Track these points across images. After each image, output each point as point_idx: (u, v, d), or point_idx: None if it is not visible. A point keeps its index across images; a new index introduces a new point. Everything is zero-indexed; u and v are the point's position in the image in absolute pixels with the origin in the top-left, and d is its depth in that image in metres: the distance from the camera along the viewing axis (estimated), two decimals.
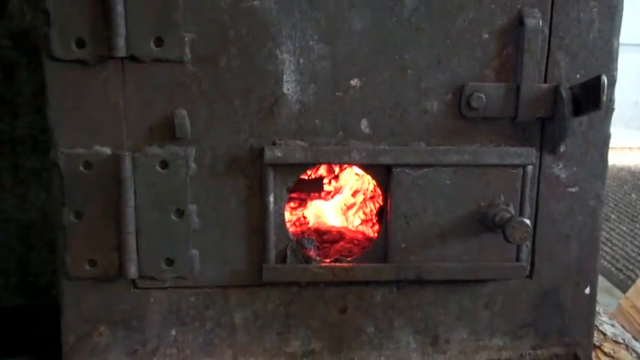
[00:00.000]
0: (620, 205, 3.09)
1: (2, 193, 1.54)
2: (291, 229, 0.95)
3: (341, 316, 0.86)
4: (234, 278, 0.83)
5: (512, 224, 0.76)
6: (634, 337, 1.25)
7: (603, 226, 2.60)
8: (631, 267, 2.31)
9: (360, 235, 0.95)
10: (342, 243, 0.94)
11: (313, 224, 0.99)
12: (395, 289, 0.85)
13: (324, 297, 0.85)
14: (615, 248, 2.50)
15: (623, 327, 1.53)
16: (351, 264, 0.83)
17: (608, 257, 2.40)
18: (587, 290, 0.88)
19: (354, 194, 0.97)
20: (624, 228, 2.74)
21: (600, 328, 1.20)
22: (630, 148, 4.31)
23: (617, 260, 2.38)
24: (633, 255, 2.43)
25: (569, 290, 0.88)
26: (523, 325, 0.88)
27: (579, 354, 0.88)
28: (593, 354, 1.09)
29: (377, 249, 0.84)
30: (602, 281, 2.20)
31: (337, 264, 0.83)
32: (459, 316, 0.87)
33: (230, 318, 0.85)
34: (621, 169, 3.87)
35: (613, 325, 1.23)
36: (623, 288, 2.08)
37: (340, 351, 0.87)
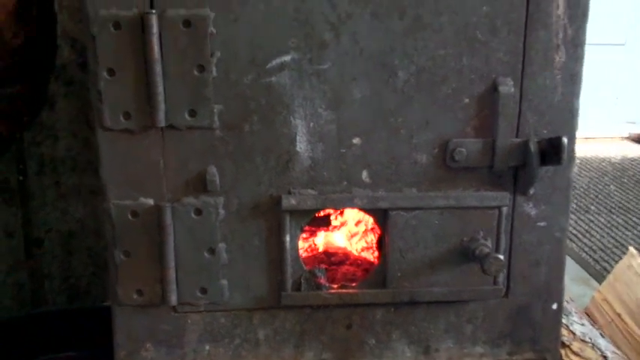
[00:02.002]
0: (599, 196, 3.18)
1: (46, 207, 1.66)
2: (304, 254, 1.06)
3: (347, 331, 0.97)
4: (257, 302, 0.94)
5: (489, 260, 0.87)
6: (601, 334, 1.36)
7: (582, 217, 2.69)
8: (607, 258, 2.42)
9: (363, 259, 1.07)
10: (347, 266, 1.06)
11: (323, 248, 1.10)
12: (392, 309, 0.97)
13: (333, 316, 0.96)
14: (593, 240, 2.60)
15: (593, 321, 1.64)
16: (355, 290, 0.94)
17: (586, 249, 2.50)
18: (555, 306, 0.99)
19: (356, 224, 1.08)
20: (602, 220, 2.84)
21: (571, 327, 1.31)
22: (612, 138, 4.38)
23: (595, 252, 2.48)
24: (609, 246, 2.53)
25: (539, 306, 0.99)
26: (500, 336, 1.00)
27: (548, 359, 1.00)
28: (563, 352, 1.20)
29: (377, 276, 0.95)
30: (579, 272, 2.31)
31: (343, 290, 0.94)
32: (447, 329, 0.99)
33: (254, 334, 0.96)
34: (603, 159, 3.92)
35: (583, 324, 1.34)
36: (599, 279, 2.17)
37: (347, 359, 0.98)
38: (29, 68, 1.21)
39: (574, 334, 1.27)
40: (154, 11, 0.81)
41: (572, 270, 2.25)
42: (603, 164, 3.77)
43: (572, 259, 2.36)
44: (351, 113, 0.88)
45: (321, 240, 1.08)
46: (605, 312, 1.66)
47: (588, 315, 1.68)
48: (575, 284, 2.14)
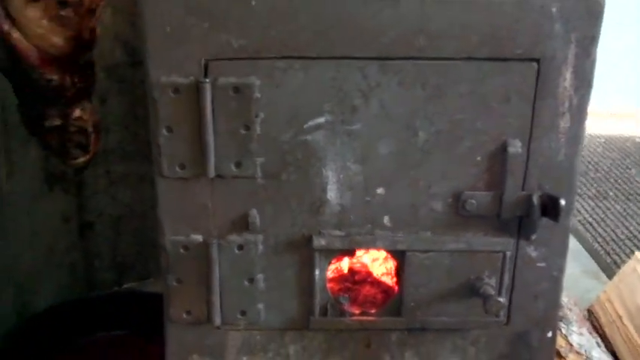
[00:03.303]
0: (619, 181, 3.16)
1: (98, 194, 1.81)
2: (330, 276, 1.19)
3: (366, 349, 1.11)
4: (289, 323, 1.08)
5: (491, 301, 0.99)
6: (597, 343, 1.48)
7: (600, 204, 2.76)
8: (618, 251, 2.49)
9: (382, 282, 1.20)
10: (368, 287, 1.19)
11: (348, 269, 1.23)
12: (406, 332, 1.09)
13: (354, 337, 1.10)
14: (607, 229, 2.65)
15: (596, 319, 1.73)
16: (374, 318, 1.07)
17: (599, 239, 2.57)
18: (550, 334, 1.11)
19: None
20: (618, 207, 2.88)
21: (569, 338, 1.43)
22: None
23: (607, 243, 2.55)
24: (622, 238, 2.60)
25: (536, 334, 1.11)
26: (500, 357, 1.12)
27: None
28: None
29: (393, 305, 1.08)
30: (589, 264, 2.37)
31: (364, 317, 1.07)
32: (453, 350, 1.12)
33: (285, 350, 1.10)
34: (627, 139, 3.84)
35: (581, 334, 1.47)
36: (609, 272, 2.25)
37: None
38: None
39: (571, 345, 1.39)
40: (207, 80, 0.92)
41: (583, 262, 2.31)
42: (627, 144, 3.70)
43: (585, 249, 2.42)
44: (377, 167, 0.99)
45: (347, 264, 1.21)
46: (608, 312, 1.72)
47: (592, 313, 1.77)
48: (584, 277, 2.21)
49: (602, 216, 2.78)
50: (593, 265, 2.32)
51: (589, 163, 3.30)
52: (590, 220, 2.71)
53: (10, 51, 1.06)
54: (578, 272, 2.22)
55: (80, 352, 1.61)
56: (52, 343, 1.58)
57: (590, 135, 3.65)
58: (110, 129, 1.77)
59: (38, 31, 1.04)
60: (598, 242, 2.54)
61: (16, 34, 1.03)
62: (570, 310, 1.54)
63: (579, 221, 2.69)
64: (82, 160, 1.37)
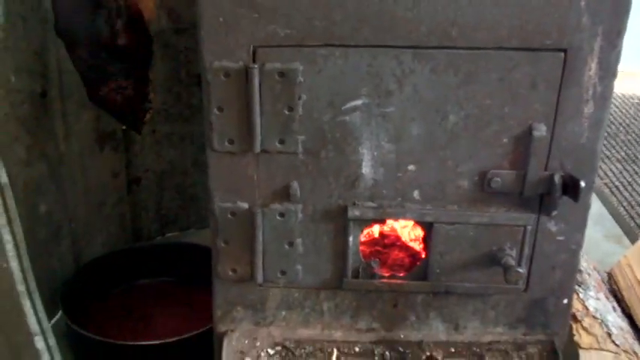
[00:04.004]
0: None
1: (144, 152, 1.93)
2: (362, 239, 1.29)
3: (393, 309, 1.21)
4: (323, 283, 1.18)
5: (511, 272, 1.07)
6: (613, 307, 1.55)
7: (628, 167, 2.75)
8: None
9: (410, 247, 1.29)
10: (396, 251, 1.28)
11: (378, 233, 1.32)
12: (431, 295, 1.19)
13: (383, 297, 1.20)
14: (634, 194, 2.66)
15: (615, 282, 1.79)
16: (402, 281, 1.17)
17: (624, 203, 2.59)
18: (565, 301, 1.20)
19: None
20: None
21: (586, 303, 1.50)
22: None
23: (632, 207, 2.57)
24: None
25: (552, 301, 1.19)
26: (518, 320, 1.21)
27: (555, 341, 1.21)
28: (575, 327, 1.40)
29: (420, 269, 1.17)
30: (613, 228, 2.41)
31: (392, 280, 1.17)
32: (474, 312, 1.21)
33: (320, 306, 1.21)
34: None
35: (597, 299, 1.54)
36: (632, 237, 2.28)
37: (392, 329, 1.22)
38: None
39: (587, 309, 1.46)
40: (255, 65, 1.00)
41: (606, 225, 2.35)
42: None
43: (609, 213, 2.46)
44: (408, 146, 1.07)
45: (377, 229, 1.30)
46: (628, 277, 1.77)
47: (611, 276, 1.84)
48: (606, 241, 2.25)
49: (630, 180, 2.78)
50: (616, 229, 2.35)
51: (620, 124, 3.29)
52: (616, 183, 2.72)
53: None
54: (600, 236, 2.27)
55: (130, 295, 1.75)
56: (105, 287, 1.73)
57: (622, 95, 3.61)
58: (155, 91, 1.86)
59: None
60: (623, 206, 2.56)
61: None
62: (589, 275, 1.61)
63: (605, 184, 2.71)
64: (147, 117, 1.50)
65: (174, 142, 2.00)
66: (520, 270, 1.07)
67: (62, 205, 1.68)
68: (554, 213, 1.10)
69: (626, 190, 2.69)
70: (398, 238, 1.31)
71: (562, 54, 1.00)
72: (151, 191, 2.03)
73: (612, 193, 2.65)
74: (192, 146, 2.02)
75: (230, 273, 1.16)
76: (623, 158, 2.95)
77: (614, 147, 3.05)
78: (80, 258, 1.81)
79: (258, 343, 1.21)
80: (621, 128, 3.26)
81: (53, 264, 1.67)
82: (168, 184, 2.05)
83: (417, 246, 1.27)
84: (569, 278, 1.18)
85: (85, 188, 1.78)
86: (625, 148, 3.07)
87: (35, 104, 1.53)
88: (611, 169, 2.84)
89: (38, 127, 1.55)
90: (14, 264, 1.03)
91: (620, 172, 2.83)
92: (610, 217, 2.41)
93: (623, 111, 3.45)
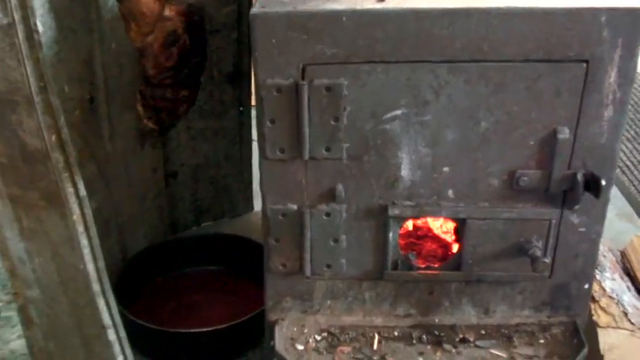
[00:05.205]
0: None
1: (180, 147, 2.03)
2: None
3: (429, 296, 1.32)
4: (365, 275, 1.29)
5: (539, 262, 1.18)
6: (627, 287, 1.65)
7: (638, 147, 2.76)
8: None
9: (441, 238, 1.39)
10: (429, 243, 1.39)
11: (412, 226, 1.42)
12: (464, 283, 1.29)
13: (419, 286, 1.30)
14: None
15: (628, 261, 1.88)
16: (437, 272, 1.28)
17: (635, 182, 2.66)
18: (586, 286, 1.30)
19: None
20: None
21: (603, 284, 1.60)
22: None
23: None
24: None
25: (574, 285, 1.29)
26: (543, 304, 1.32)
27: (577, 322, 1.32)
28: (593, 307, 1.51)
29: (454, 260, 1.28)
30: (625, 207, 2.47)
31: (429, 271, 1.28)
32: (503, 297, 1.32)
33: (362, 295, 1.32)
34: None
35: (613, 279, 1.64)
36: None
37: (427, 315, 1.33)
38: (187, 77, 1.53)
39: (604, 290, 1.57)
40: (305, 82, 1.10)
41: (618, 204, 2.42)
42: None
43: (621, 192, 2.53)
44: (443, 150, 1.17)
45: (411, 222, 1.40)
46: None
47: (624, 255, 1.93)
48: (618, 220, 2.33)
49: None
50: (628, 208, 2.42)
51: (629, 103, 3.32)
52: (627, 163, 2.79)
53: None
54: (612, 215, 2.34)
55: (177, 284, 1.87)
56: (153, 276, 1.85)
57: None
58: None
59: None
60: (634, 185, 2.63)
61: None
62: (604, 256, 1.71)
63: None
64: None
65: (208, 137, 2.10)
66: (546, 260, 1.17)
67: (109, 201, 1.79)
68: (577, 207, 1.20)
69: (637, 169, 2.74)
70: (430, 230, 1.42)
71: (584, 64, 1.09)
72: (186, 184, 2.14)
73: (623, 172, 2.71)
74: (224, 140, 2.13)
75: (280, 267, 1.27)
76: (633, 137, 3.00)
77: None
78: (126, 250, 1.92)
79: (306, 330, 1.32)
80: (630, 107, 3.30)
81: (103, 257, 1.78)
82: (203, 177, 2.16)
83: (449, 238, 1.38)
84: (589, 265, 1.28)
85: (129, 184, 1.89)
86: (634, 126, 3.11)
87: (85, 109, 1.63)
88: (621, 149, 2.89)
89: (88, 130, 1.65)
90: (90, 266, 1.14)
91: (631, 152, 2.89)
92: (621, 196, 2.49)
93: (633, 89, 3.48)
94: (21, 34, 0.96)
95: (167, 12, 1.39)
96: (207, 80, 1.98)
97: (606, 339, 1.38)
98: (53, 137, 1.02)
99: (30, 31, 0.96)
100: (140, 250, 1.85)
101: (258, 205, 2.26)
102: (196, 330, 1.53)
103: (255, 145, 2.16)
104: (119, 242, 1.88)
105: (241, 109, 2.07)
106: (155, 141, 1.97)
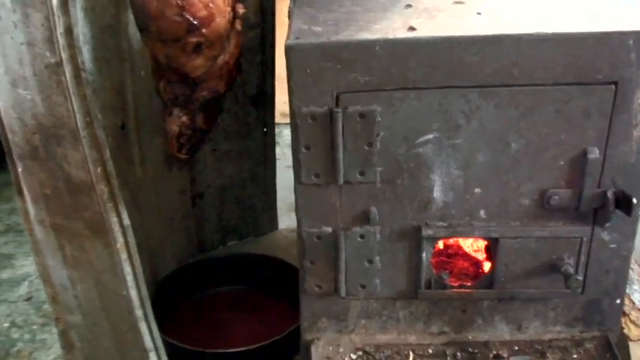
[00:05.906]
0: None
1: (207, 169, 2.07)
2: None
3: (462, 314, 1.34)
4: (399, 294, 1.31)
5: (572, 280, 1.19)
6: None
7: None
8: None
9: (472, 256, 1.41)
10: (461, 261, 1.41)
11: (443, 245, 1.45)
12: (496, 301, 1.32)
13: (452, 304, 1.32)
14: None
15: None
16: (470, 290, 1.29)
17: None
18: (618, 301, 1.31)
19: None
20: None
21: (632, 297, 1.62)
22: None
23: None
24: None
25: (606, 301, 1.31)
26: (575, 319, 1.33)
27: (610, 337, 1.33)
28: (623, 320, 1.52)
29: (486, 279, 1.30)
30: None
31: (462, 290, 1.30)
32: (535, 314, 1.33)
33: (396, 314, 1.34)
34: None
35: None
36: None
37: (461, 332, 1.35)
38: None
39: (634, 303, 1.58)
40: (339, 109, 1.13)
41: None
42: None
43: None
44: (475, 172, 1.19)
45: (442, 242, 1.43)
46: None
47: None
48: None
49: None
50: None
51: None
52: None
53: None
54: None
55: (204, 303, 1.90)
56: (183, 297, 1.88)
57: None
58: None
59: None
60: None
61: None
62: (632, 269, 1.72)
63: None
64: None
65: (233, 158, 2.14)
66: (579, 277, 1.19)
67: (141, 226, 1.82)
68: (607, 225, 1.22)
69: None
70: (460, 248, 1.44)
71: (613, 86, 1.11)
72: (212, 205, 2.18)
73: None
74: (249, 161, 2.16)
75: (316, 289, 1.30)
76: None
77: None
78: (156, 272, 1.95)
79: (341, 349, 1.34)
80: None
81: None
82: (229, 197, 2.19)
83: (480, 256, 1.39)
84: (621, 280, 1.29)
85: (158, 207, 1.92)
86: None
87: (117, 136, 1.66)
88: None
89: (120, 156, 1.68)
90: (133, 292, 1.17)
91: None
92: None
93: None
94: (68, 73, 0.99)
95: (237, 26, 1.41)
96: (231, 102, 2.02)
97: (639, 353, 1.39)
98: (99, 169, 1.06)
99: (77, 70, 1.00)
100: (170, 272, 1.88)
101: (282, 223, 2.30)
102: (232, 350, 1.56)
103: (279, 164, 2.20)
104: (150, 265, 1.91)
105: (265, 130, 2.11)
106: (182, 164, 2.01)
